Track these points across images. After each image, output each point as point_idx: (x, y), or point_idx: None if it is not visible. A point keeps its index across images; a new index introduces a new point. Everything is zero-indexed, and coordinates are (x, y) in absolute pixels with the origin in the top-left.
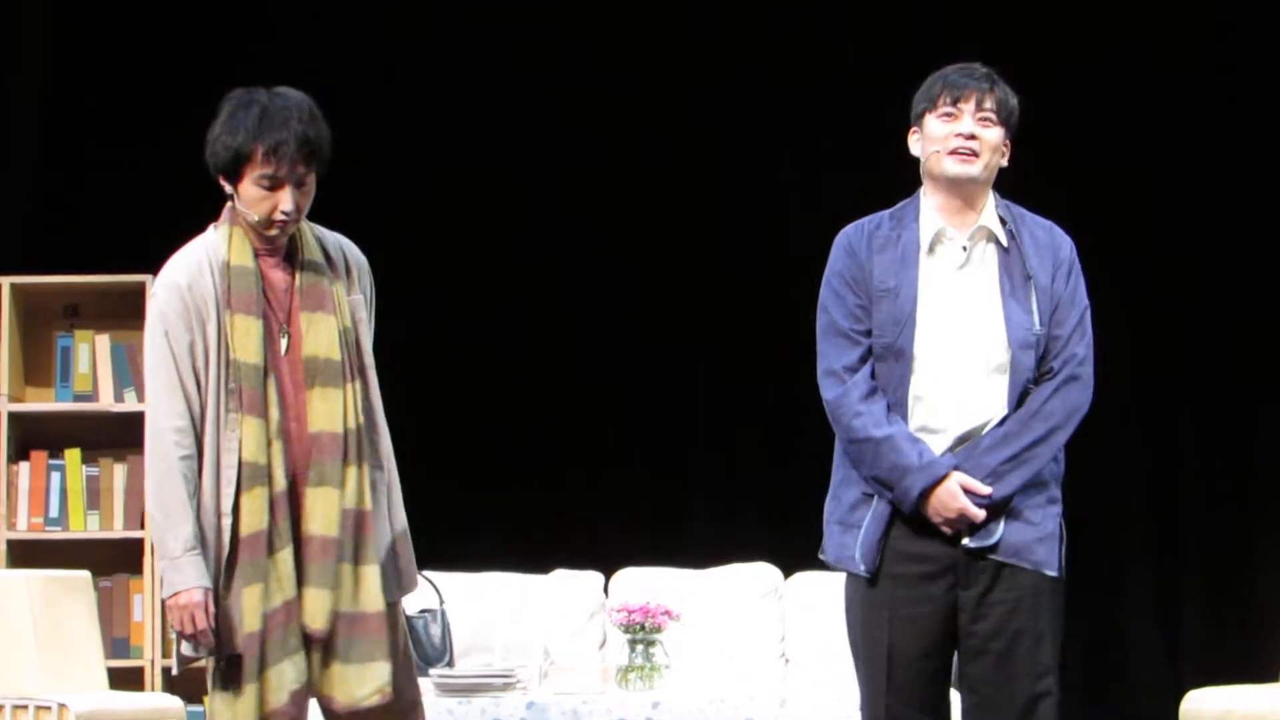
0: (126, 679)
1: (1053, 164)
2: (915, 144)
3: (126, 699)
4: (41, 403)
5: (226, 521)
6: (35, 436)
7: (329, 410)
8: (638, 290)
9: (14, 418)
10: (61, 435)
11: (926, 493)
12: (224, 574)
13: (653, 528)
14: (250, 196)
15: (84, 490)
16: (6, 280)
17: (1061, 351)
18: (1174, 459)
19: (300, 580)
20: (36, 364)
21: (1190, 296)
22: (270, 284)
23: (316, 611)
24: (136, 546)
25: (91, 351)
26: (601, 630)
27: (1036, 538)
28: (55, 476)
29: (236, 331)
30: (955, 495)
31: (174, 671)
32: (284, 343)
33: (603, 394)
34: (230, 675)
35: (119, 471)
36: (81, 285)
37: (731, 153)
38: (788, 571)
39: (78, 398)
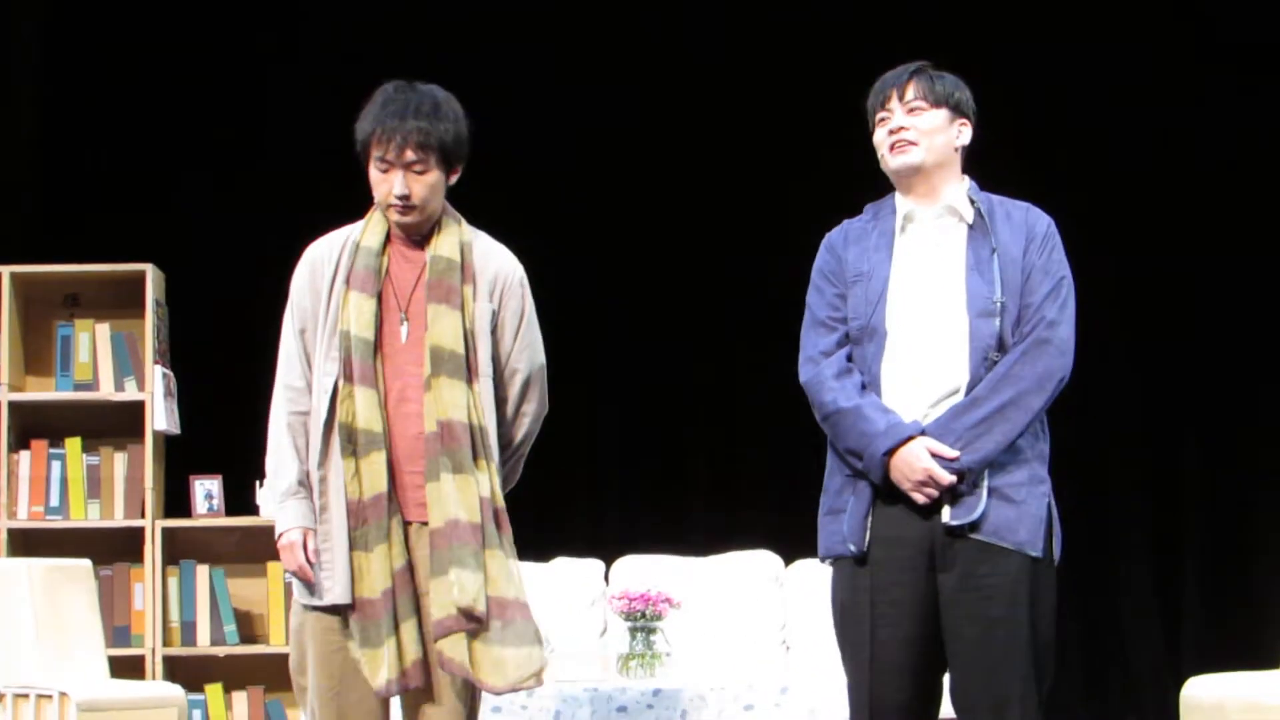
0: (127, 668)
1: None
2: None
3: (127, 687)
4: (42, 392)
5: (319, 475)
6: (36, 425)
7: (457, 400)
8: (638, 280)
9: (14, 407)
10: (62, 424)
11: (891, 454)
12: (320, 526)
13: (653, 515)
14: (373, 179)
15: (84, 479)
16: (7, 269)
17: (1032, 317)
18: (1175, 446)
19: (453, 560)
20: (37, 353)
21: (1195, 273)
22: (396, 271)
23: (477, 594)
24: (137, 535)
25: (92, 340)
26: (602, 618)
27: (1019, 517)
28: (56, 465)
29: (349, 306)
30: (919, 456)
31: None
32: (404, 329)
33: (603, 383)
34: (332, 623)
35: (119, 460)
36: (81, 274)
37: (728, 145)
38: (788, 559)
39: (78, 387)
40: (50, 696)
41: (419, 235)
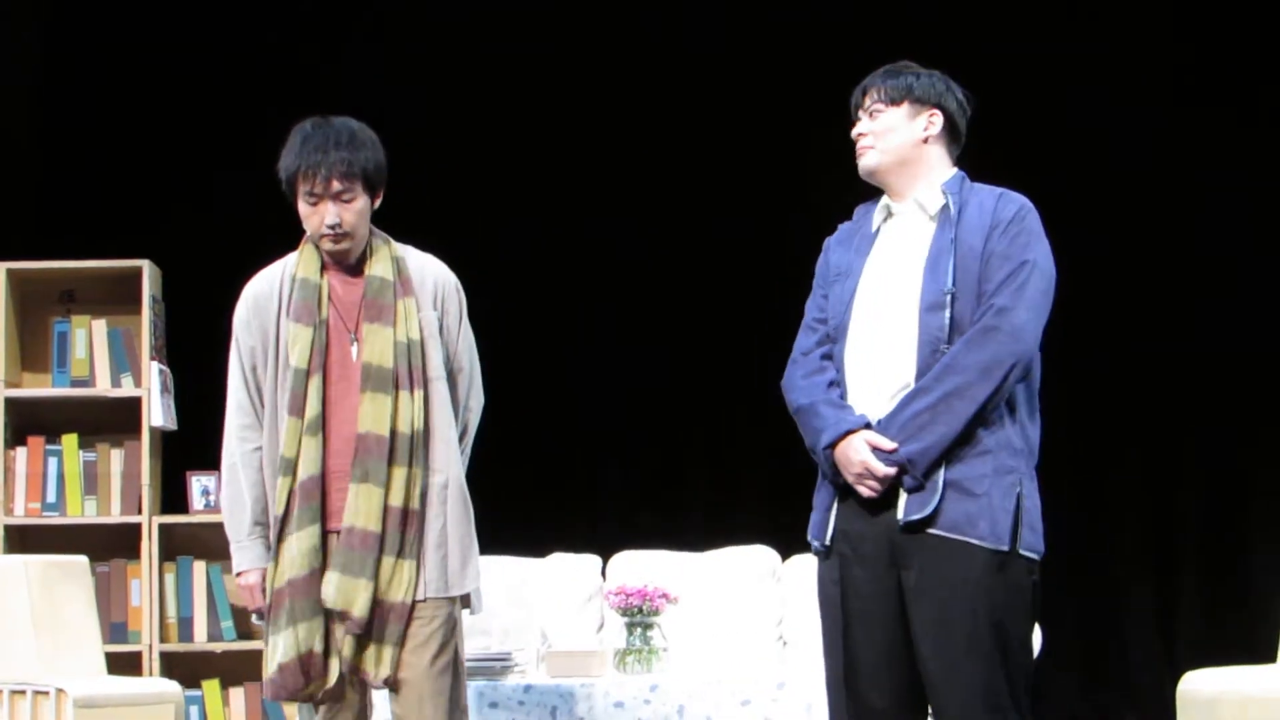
0: (124, 664)
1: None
2: None
3: (124, 684)
4: (38, 388)
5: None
6: (32, 421)
7: (376, 413)
8: (634, 276)
9: (11, 403)
10: (59, 420)
11: (832, 447)
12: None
13: (650, 511)
14: (302, 213)
15: (81, 475)
16: (3, 266)
17: (985, 305)
18: (1171, 439)
19: (333, 564)
20: (33, 349)
21: (1189, 270)
22: (339, 296)
23: (353, 599)
24: (134, 531)
25: (88, 336)
26: (599, 613)
27: (979, 510)
28: (52, 461)
29: (290, 338)
30: (857, 449)
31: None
32: (354, 350)
33: (600, 378)
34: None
35: (116, 456)
36: (78, 270)
37: (728, 138)
38: (785, 554)
39: (75, 383)
40: (47, 693)
41: (351, 261)
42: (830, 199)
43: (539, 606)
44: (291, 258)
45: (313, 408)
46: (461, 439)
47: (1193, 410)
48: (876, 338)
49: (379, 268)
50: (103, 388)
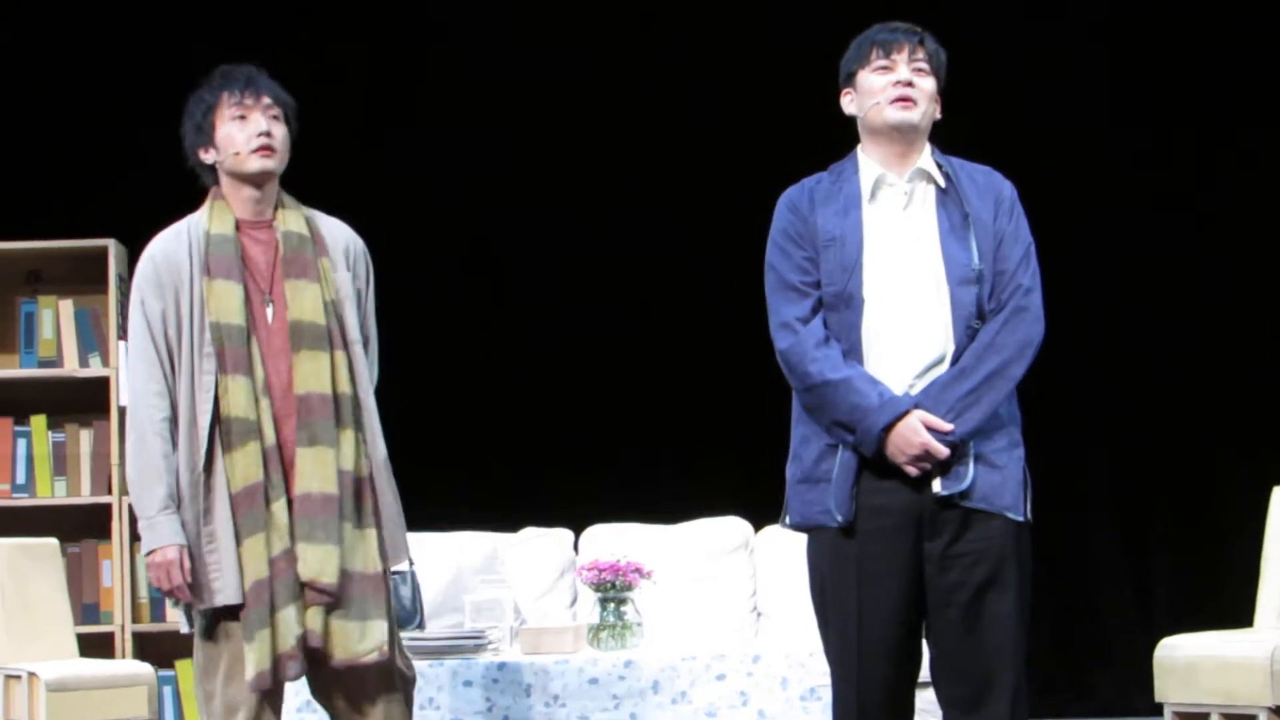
0: (97, 645)
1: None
2: (849, 104)
3: (97, 666)
4: (6, 369)
5: (202, 478)
6: (0, 403)
7: (317, 371)
8: (601, 246)
9: None
10: (27, 401)
11: (888, 429)
12: (205, 528)
13: (622, 483)
14: (227, 136)
15: (50, 456)
16: None
17: (1008, 284)
18: (1143, 403)
19: (299, 536)
20: (0, 330)
21: (1169, 233)
22: (251, 256)
23: (325, 567)
24: (104, 512)
25: (55, 317)
26: (572, 588)
27: (1003, 481)
28: (21, 443)
29: (215, 295)
30: (917, 430)
31: (185, 631)
32: (269, 311)
33: (570, 351)
34: (237, 623)
35: (85, 437)
36: (44, 250)
37: (687, 106)
38: (758, 525)
39: (42, 363)
40: (19, 677)
41: (263, 209)
42: (792, 161)
43: (511, 582)
44: (196, 216)
45: (259, 368)
46: None
47: (1169, 374)
48: (904, 310)
49: (292, 223)
50: (71, 368)
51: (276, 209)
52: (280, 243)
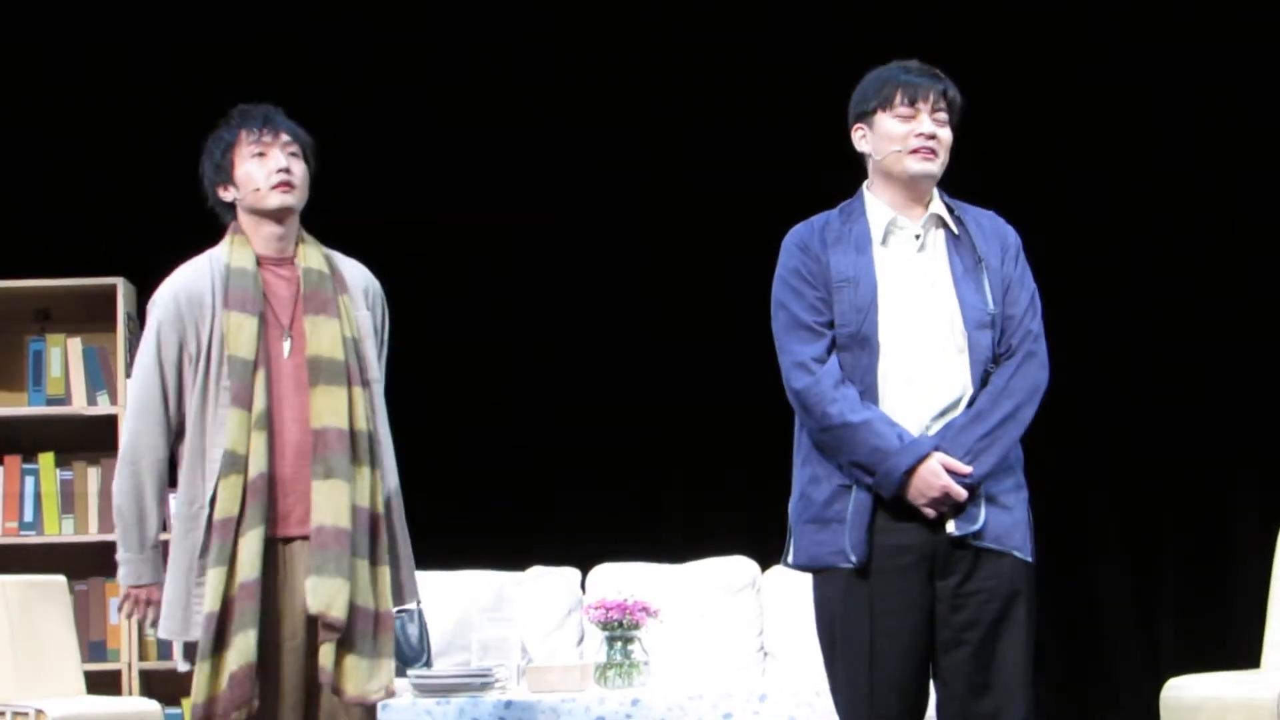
0: (104, 683)
1: None
2: (862, 140)
3: (104, 703)
4: (14, 407)
5: (204, 512)
6: (8, 440)
7: (334, 407)
8: (613, 292)
9: None
10: (35, 439)
11: (909, 473)
12: (199, 560)
13: (629, 523)
14: (247, 172)
15: (58, 494)
16: None
17: (1017, 330)
18: (1150, 445)
19: (310, 568)
20: (8, 368)
21: (1170, 278)
22: (273, 290)
23: (335, 600)
24: (111, 549)
25: (64, 355)
26: (579, 627)
27: (1013, 523)
28: (29, 481)
29: (231, 328)
30: (938, 474)
31: (182, 669)
32: (286, 345)
33: (578, 391)
34: (194, 653)
35: (93, 475)
36: (52, 289)
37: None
38: (765, 565)
39: (50, 401)
40: (26, 714)
41: (286, 246)
42: (806, 204)
43: (519, 621)
44: (216, 251)
45: (260, 401)
46: None
47: (1174, 412)
48: (921, 353)
49: (313, 260)
50: (79, 406)
51: (297, 245)
52: (301, 279)
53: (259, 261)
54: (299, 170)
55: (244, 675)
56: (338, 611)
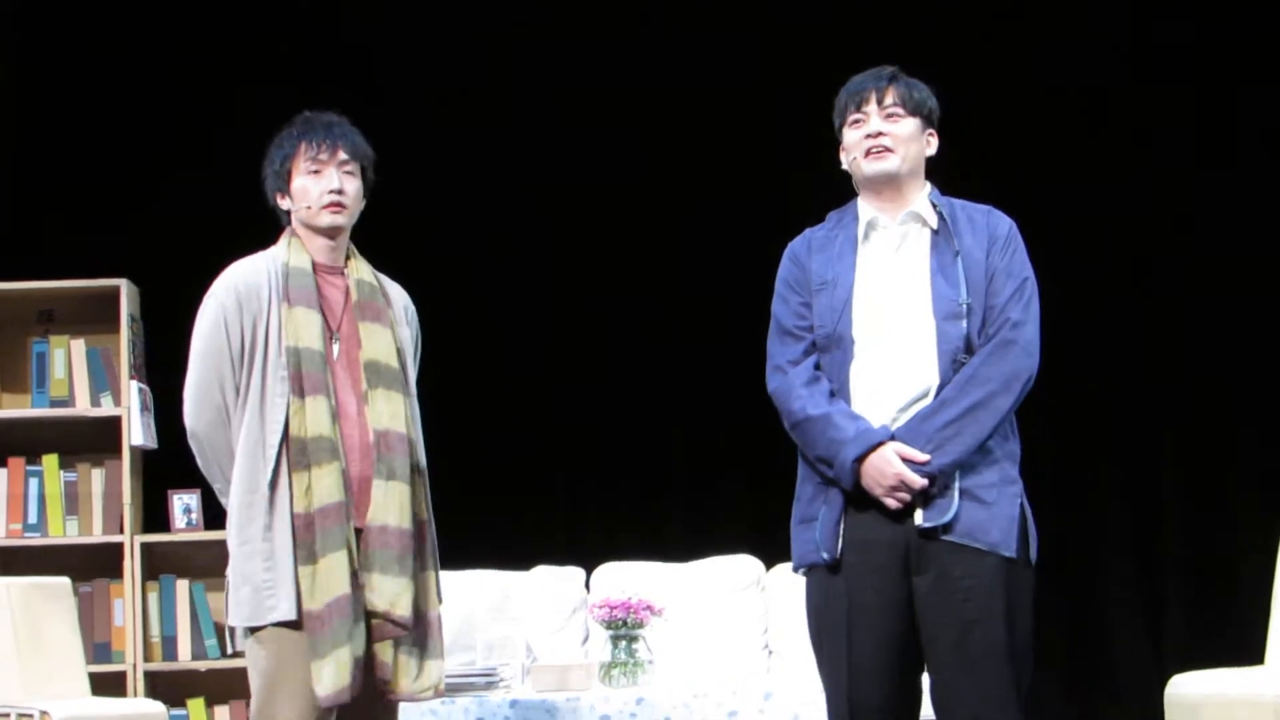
0: (109, 684)
1: None
2: (844, 158)
3: (109, 705)
4: (18, 409)
5: (266, 496)
6: (12, 442)
7: (394, 411)
8: (617, 292)
9: None
10: (39, 441)
11: (860, 460)
12: (263, 545)
13: (634, 522)
14: (302, 187)
15: (62, 495)
16: None
17: (997, 319)
18: (1155, 444)
19: (374, 566)
20: (12, 369)
21: (1178, 271)
22: (326, 295)
23: (399, 599)
24: (116, 551)
25: (67, 356)
26: (584, 626)
27: (991, 518)
28: (33, 482)
29: (294, 321)
30: (890, 461)
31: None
32: (336, 347)
33: (582, 391)
34: (295, 642)
35: (97, 476)
36: (56, 290)
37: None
38: (769, 563)
39: (54, 403)
40: (31, 716)
41: (338, 255)
42: (806, 206)
43: (523, 620)
44: (273, 250)
45: (333, 394)
46: None
47: (1177, 411)
48: (890, 347)
49: (363, 272)
50: (82, 407)
51: (348, 259)
52: (353, 288)
53: (313, 265)
54: (352, 190)
55: (359, 671)
56: (403, 610)
